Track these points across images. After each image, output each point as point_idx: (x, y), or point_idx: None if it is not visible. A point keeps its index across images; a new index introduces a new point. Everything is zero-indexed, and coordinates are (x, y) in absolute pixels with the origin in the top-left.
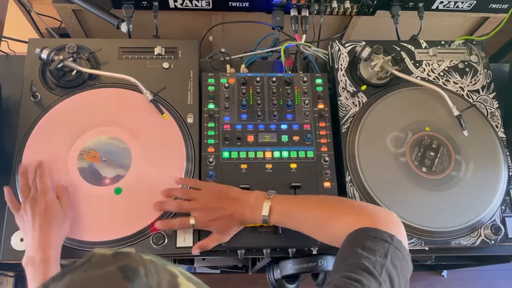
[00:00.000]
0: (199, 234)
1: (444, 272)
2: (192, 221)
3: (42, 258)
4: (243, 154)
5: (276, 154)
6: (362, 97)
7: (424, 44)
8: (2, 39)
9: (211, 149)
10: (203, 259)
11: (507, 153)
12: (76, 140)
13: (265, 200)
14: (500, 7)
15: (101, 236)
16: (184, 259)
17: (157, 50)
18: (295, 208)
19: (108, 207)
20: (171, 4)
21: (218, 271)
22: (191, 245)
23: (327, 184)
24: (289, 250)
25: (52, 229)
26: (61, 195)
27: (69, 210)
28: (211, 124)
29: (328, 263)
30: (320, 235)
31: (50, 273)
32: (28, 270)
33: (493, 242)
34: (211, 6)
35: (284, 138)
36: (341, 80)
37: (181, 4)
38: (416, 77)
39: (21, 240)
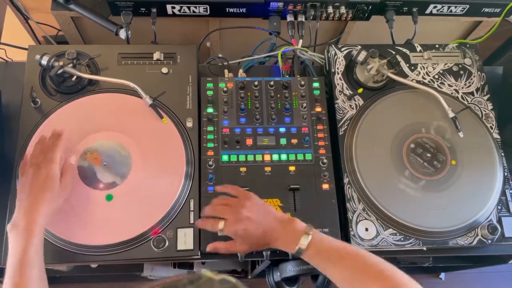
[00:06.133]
0: (200, 238)
1: (442, 275)
2: (221, 225)
3: (26, 225)
4: (242, 157)
5: (275, 157)
6: (358, 100)
7: (418, 48)
8: (0, 46)
9: (210, 153)
10: (203, 263)
11: (502, 154)
12: (75, 145)
13: (304, 234)
14: (492, 11)
15: (102, 240)
16: (184, 262)
17: (156, 55)
18: (331, 256)
19: (109, 210)
20: (169, 11)
21: None
22: (192, 248)
23: (325, 186)
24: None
25: (44, 199)
26: (65, 171)
27: (67, 189)
28: (210, 128)
29: None
30: None
31: (32, 245)
32: (11, 236)
33: (490, 241)
34: (208, 12)
35: (283, 141)
36: (338, 84)
37: (179, 11)
38: (412, 80)
39: None
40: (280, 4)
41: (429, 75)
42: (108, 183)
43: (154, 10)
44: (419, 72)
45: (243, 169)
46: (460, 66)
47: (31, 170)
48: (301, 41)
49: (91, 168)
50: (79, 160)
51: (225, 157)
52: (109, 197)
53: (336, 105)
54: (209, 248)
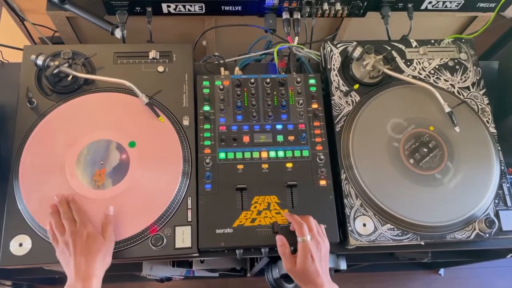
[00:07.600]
0: (198, 235)
1: (441, 271)
2: (308, 237)
3: (83, 286)
4: (239, 155)
5: (272, 154)
6: (355, 96)
7: (414, 43)
8: None
9: (207, 151)
10: (202, 261)
11: (499, 148)
12: (72, 146)
13: None
14: (487, 6)
15: None
16: (183, 261)
17: (152, 54)
18: None
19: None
20: (165, 10)
21: (216, 274)
22: (190, 245)
23: (322, 182)
24: None
25: (94, 260)
26: (106, 225)
27: (112, 240)
28: (207, 126)
29: None
30: None
31: None
32: None
33: (487, 235)
34: (204, 11)
35: (280, 138)
36: (334, 80)
37: (174, 9)
38: (408, 76)
39: (20, 245)
40: (276, 2)
41: (425, 70)
42: (120, 152)
43: (149, 9)
44: (415, 68)
45: (240, 167)
46: (456, 61)
47: (70, 238)
48: (296, 38)
49: (110, 174)
50: (102, 185)
51: (222, 155)
52: (131, 144)
53: (332, 102)
54: (279, 238)
